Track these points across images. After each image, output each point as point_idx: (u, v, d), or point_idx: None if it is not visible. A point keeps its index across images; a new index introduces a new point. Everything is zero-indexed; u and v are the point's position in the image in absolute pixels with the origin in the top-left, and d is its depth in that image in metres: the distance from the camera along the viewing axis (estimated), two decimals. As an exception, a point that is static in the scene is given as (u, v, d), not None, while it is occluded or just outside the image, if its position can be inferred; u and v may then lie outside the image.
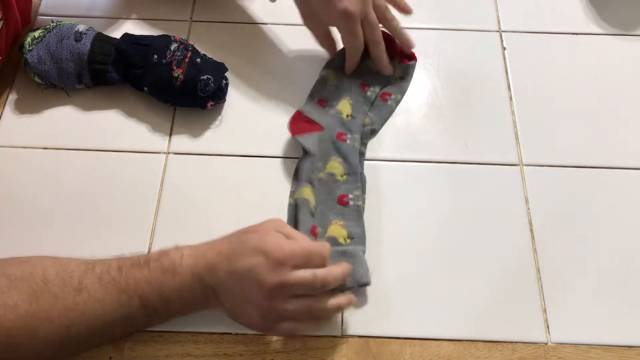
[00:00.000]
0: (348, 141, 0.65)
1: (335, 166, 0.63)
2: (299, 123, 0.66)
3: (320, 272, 0.50)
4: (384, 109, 0.69)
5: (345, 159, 0.64)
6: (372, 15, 0.66)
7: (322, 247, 0.52)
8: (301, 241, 0.52)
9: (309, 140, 0.64)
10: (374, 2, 0.66)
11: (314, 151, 0.64)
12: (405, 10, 0.71)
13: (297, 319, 0.51)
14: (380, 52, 0.68)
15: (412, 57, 0.73)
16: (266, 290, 0.49)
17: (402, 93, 0.71)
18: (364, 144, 0.66)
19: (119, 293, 0.49)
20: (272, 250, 0.49)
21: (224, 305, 0.52)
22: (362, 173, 0.64)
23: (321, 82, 0.69)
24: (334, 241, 0.58)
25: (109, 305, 0.49)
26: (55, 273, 0.49)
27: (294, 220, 0.60)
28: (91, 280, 0.49)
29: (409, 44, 0.70)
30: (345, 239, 0.59)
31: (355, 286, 0.56)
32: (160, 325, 0.55)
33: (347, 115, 0.67)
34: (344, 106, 0.67)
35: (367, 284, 0.56)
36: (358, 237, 0.59)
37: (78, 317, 0.48)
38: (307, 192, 0.61)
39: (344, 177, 0.63)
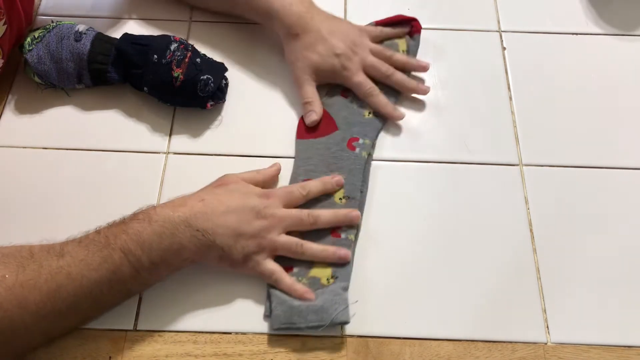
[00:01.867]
0: (357, 149, 0.63)
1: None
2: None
3: (308, 211, 0.58)
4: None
5: (349, 174, 0.62)
6: (370, 59, 0.68)
7: (302, 187, 0.59)
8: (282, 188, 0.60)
9: (313, 151, 0.63)
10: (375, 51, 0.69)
11: (311, 170, 0.62)
12: (422, 68, 0.71)
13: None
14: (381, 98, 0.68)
15: (417, 29, 0.72)
16: (262, 217, 0.55)
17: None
18: (373, 145, 0.65)
19: (100, 249, 0.50)
20: (260, 190, 0.58)
21: (216, 243, 0.53)
22: (365, 183, 0.62)
23: None
24: (316, 283, 0.56)
25: (92, 263, 0.50)
26: (40, 247, 0.51)
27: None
28: (72, 245, 0.51)
29: (418, 89, 0.70)
30: (328, 279, 0.56)
31: (330, 324, 0.53)
32: (159, 324, 0.55)
33: (369, 113, 0.67)
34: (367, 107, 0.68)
35: (345, 322, 0.54)
36: (342, 275, 0.56)
37: (64, 279, 0.49)
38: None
39: (343, 200, 0.61)
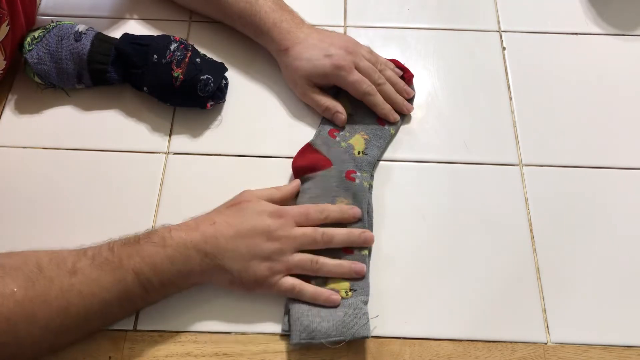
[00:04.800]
0: (357, 180, 0.62)
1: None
2: (307, 155, 0.64)
3: (322, 230, 0.56)
4: (381, 134, 0.67)
5: (354, 199, 0.61)
6: (364, 63, 0.66)
7: (318, 206, 0.58)
8: (298, 208, 0.59)
9: (313, 183, 0.62)
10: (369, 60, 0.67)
11: (314, 193, 0.61)
12: (407, 93, 0.69)
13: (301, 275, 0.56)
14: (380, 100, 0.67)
15: (409, 78, 0.70)
16: (273, 239, 0.54)
17: (402, 119, 0.69)
18: (371, 176, 0.64)
19: (113, 270, 0.50)
20: (274, 209, 0.56)
21: (227, 268, 0.53)
22: (370, 213, 0.61)
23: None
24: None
25: (104, 283, 0.50)
26: (49, 260, 0.50)
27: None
28: (84, 262, 0.50)
29: (404, 108, 0.68)
30: (347, 292, 0.56)
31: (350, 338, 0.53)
32: (159, 324, 0.55)
33: (359, 152, 0.64)
34: (358, 141, 0.65)
35: (366, 337, 0.53)
36: (360, 288, 0.56)
37: (75, 297, 0.49)
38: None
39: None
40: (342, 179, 0.62)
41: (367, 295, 0.56)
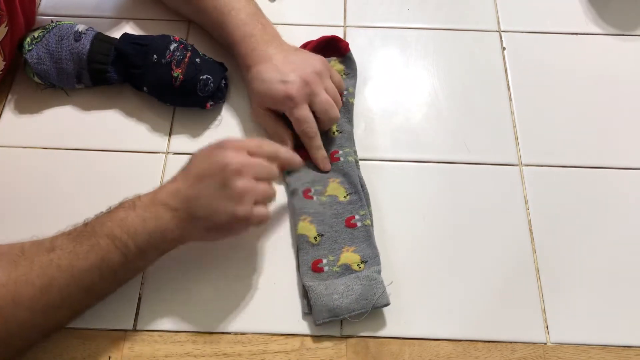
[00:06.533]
0: (341, 158, 0.64)
1: (336, 187, 0.62)
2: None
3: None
4: (344, 108, 0.67)
5: (344, 177, 0.63)
6: (322, 97, 0.62)
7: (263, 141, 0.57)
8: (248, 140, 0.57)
9: (300, 172, 0.64)
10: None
11: (307, 179, 0.63)
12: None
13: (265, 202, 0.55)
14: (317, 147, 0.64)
15: (346, 49, 0.71)
16: (233, 169, 0.52)
17: (354, 86, 0.70)
18: (354, 151, 0.65)
19: (88, 239, 0.51)
20: (225, 142, 0.55)
21: (198, 216, 0.52)
22: (363, 186, 0.63)
23: None
24: (348, 268, 0.58)
25: (80, 252, 0.50)
26: (31, 243, 0.51)
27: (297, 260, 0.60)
28: (61, 238, 0.51)
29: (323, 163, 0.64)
30: (359, 265, 0.58)
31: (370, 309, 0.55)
32: (159, 324, 0.55)
33: (334, 132, 0.65)
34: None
35: (385, 305, 0.55)
36: (371, 258, 0.58)
37: (55, 271, 0.49)
38: (302, 227, 0.60)
39: (347, 197, 0.62)
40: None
41: (379, 264, 0.58)
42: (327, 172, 0.64)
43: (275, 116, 0.65)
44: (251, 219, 0.53)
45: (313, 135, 0.63)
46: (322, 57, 0.66)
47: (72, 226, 0.53)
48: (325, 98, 0.62)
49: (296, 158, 0.59)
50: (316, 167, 0.64)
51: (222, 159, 0.53)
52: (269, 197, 0.56)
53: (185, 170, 0.55)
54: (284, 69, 0.62)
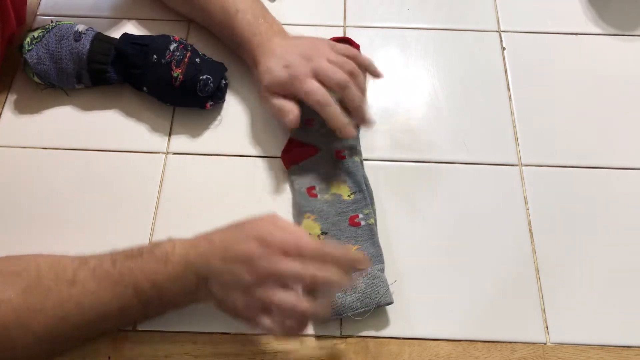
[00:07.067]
0: (347, 157, 0.64)
1: (340, 186, 0.62)
2: (293, 150, 0.65)
3: (312, 266, 0.48)
4: None
5: (348, 176, 0.63)
6: (324, 65, 0.61)
7: (317, 243, 0.52)
8: (296, 232, 0.51)
9: (305, 170, 0.64)
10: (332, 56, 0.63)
11: (311, 177, 0.63)
12: (377, 75, 0.66)
13: (279, 315, 0.49)
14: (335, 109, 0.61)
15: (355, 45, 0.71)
16: (255, 274, 0.48)
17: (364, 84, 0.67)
18: (359, 151, 0.65)
19: (113, 285, 0.49)
20: (265, 236, 0.49)
21: (213, 292, 0.50)
22: (367, 185, 0.63)
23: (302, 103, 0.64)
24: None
25: (103, 297, 0.49)
26: (49, 267, 0.50)
27: None
28: (85, 273, 0.49)
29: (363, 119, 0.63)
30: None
31: (373, 308, 0.55)
32: (159, 325, 0.55)
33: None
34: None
35: (389, 303, 0.55)
36: (374, 256, 0.58)
37: (73, 309, 0.48)
38: (306, 225, 0.60)
39: (351, 196, 0.61)
40: (333, 159, 0.63)
41: (383, 262, 0.58)
42: (351, 137, 0.62)
43: (281, 96, 0.63)
44: (249, 325, 0.50)
45: (326, 104, 0.60)
46: (324, 38, 0.67)
47: (95, 258, 0.51)
48: (327, 65, 0.62)
49: (363, 259, 0.52)
50: (320, 166, 0.64)
51: (251, 253, 0.48)
52: (293, 314, 0.48)
53: (223, 233, 0.51)
54: (286, 55, 0.63)
